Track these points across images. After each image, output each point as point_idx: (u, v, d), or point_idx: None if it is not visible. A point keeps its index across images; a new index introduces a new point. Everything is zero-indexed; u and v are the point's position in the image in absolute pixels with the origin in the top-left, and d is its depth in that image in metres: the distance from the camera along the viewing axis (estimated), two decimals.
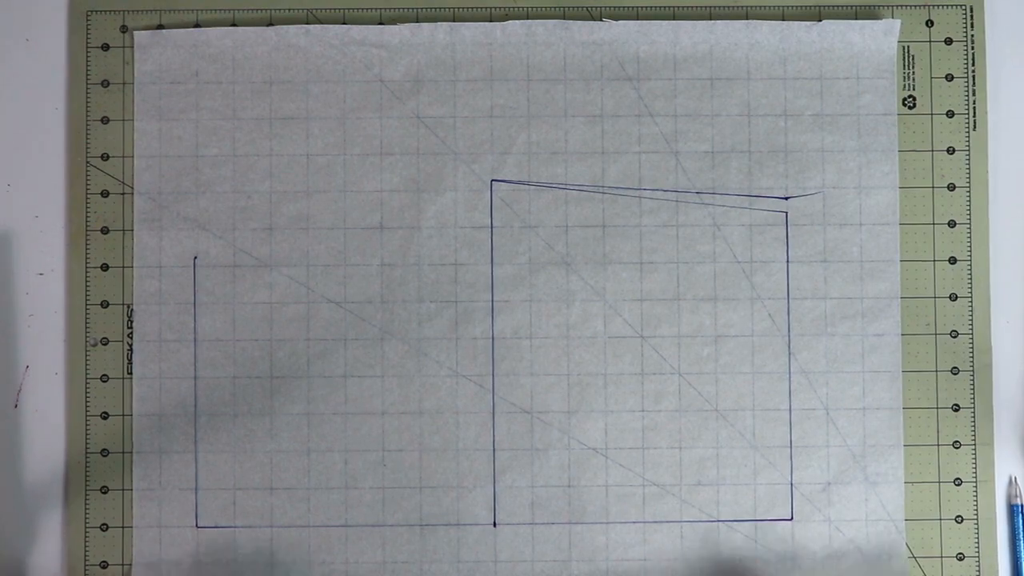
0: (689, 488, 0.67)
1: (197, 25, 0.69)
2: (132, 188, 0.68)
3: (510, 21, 0.68)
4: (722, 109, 0.69)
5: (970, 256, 0.69)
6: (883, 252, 0.68)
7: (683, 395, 0.68)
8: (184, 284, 0.68)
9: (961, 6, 0.69)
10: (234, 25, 0.69)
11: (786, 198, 0.69)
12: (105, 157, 0.68)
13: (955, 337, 0.68)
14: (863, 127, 0.69)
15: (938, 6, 0.69)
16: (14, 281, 0.68)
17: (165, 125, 0.68)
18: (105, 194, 0.68)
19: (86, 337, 0.68)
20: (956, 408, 0.68)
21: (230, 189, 0.68)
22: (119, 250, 0.68)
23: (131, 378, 0.67)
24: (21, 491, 0.67)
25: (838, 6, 0.69)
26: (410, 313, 0.68)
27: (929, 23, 0.69)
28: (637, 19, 0.69)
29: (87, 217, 0.68)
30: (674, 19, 0.69)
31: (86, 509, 0.67)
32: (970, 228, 0.69)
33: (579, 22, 0.69)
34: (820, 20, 0.69)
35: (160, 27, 0.69)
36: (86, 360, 0.68)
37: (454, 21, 0.69)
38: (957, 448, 0.68)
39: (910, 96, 0.69)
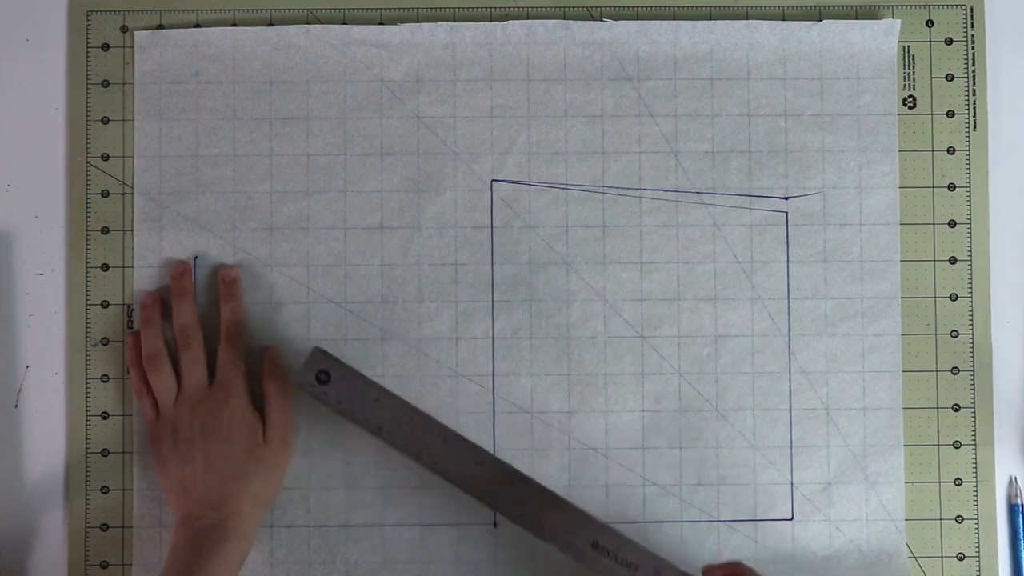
0: (689, 488, 0.67)
1: (197, 25, 0.69)
2: (132, 188, 0.68)
3: (510, 21, 0.68)
4: (722, 109, 0.69)
5: (970, 256, 0.69)
6: (883, 252, 0.68)
7: (683, 395, 0.68)
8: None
9: (961, 6, 0.69)
10: (234, 25, 0.69)
11: (786, 198, 0.69)
12: (105, 157, 0.68)
13: (955, 337, 0.68)
14: (863, 127, 0.69)
15: (938, 6, 0.69)
16: (14, 281, 0.68)
17: (165, 125, 0.68)
18: (105, 194, 0.68)
19: (86, 337, 0.68)
20: (956, 408, 0.68)
21: (230, 189, 0.68)
22: (119, 250, 0.68)
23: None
24: (21, 491, 0.67)
25: (838, 6, 0.69)
26: (410, 313, 0.68)
27: (929, 23, 0.69)
28: (637, 19, 0.69)
29: (87, 217, 0.68)
30: (674, 19, 0.69)
31: (86, 509, 0.67)
32: (970, 228, 0.69)
33: (579, 22, 0.69)
34: (820, 20, 0.69)
35: (160, 27, 0.69)
36: (86, 360, 0.68)
37: (454, 21, 0.69)
38: (957, 448, 0.68)
39: (910, 96, 0.69)
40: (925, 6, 0.69)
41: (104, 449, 0.67)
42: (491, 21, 0.69)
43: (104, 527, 0.67)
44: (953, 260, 0.69)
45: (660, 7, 0.69)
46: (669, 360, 0.68)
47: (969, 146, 0.69)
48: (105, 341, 0.68)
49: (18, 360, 0.68)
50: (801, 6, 0.69)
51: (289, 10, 0.69)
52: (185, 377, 0.64)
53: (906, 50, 0.69)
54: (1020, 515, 0.68)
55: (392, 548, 0.67)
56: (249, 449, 0.62)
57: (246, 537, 0.61)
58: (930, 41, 0.69)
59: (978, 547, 0.68)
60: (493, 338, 0.68)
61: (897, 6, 0.69)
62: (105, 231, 0.68)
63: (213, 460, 0.61)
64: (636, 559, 0.61)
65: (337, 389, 0.64)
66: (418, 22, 0.69)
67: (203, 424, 0.62)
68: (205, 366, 0.64)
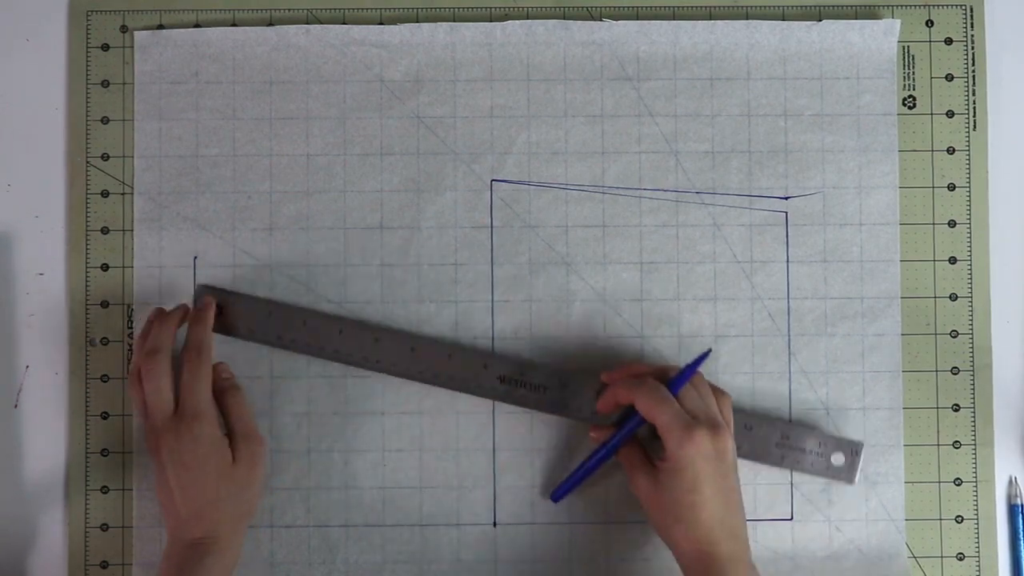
0: None
1: (197, 25, 0.69)
2: (132, 188, 0.68)
3: (510, 21, 0.68)
4: (722, 109, 0.69)
5: (970, 256, 0.69)
6: (883, 252, 0.68)
7: None
8: (184, 284, 0.68)
9: (961, 6, 0.69)
10: (234, 25, 0.69)
11: (786, 198, 0.69)
12: (105, 157, 0.68)
13: (955, 337, 0.68)
14: (863, 127, 0.69)
15: (938, 6, 0.69)
16: (14, 281, 0.68)
17: (165, 125, 0.68)
18: (105, 194, 0.68)
19: (86, 337, 0.68)
20: (956, 408, 0.68)
21: (230, 189, 0.68)
22: (119, 250, 0.68)
23: None
24: (21, 491, 0.67)
25: (838, 6, 0.69)
26: (410, 313, 0.68)
27: (929, 23, 0.69)
28: (637, 19, 0.69)
29: (87, 217, 0.68)
30: (674, 19, 0.69)
31: (86, 509, 0.67)
32: (970, 228, 0.69)
33: (579, 22, 0.69)
34: (820, 20, 0.69)
35: (160, 27, 0.69)
36: (86, 360, 0.68)
37: (454, 21, 0.69)
38: (957, 448, 0.68)
39: (910, 96, 0.69)
40: (925, 6, 0.69)
41: (104, 449, 0.67)
42: (491, 21, 0.69)
43: (104, 527, 0.67)
44: (953, 260, 0.69)
45: (660, 7, 0.69)
46: (669, 360, 0.68)
47: (969, 146, 0.69)
48: (105, 341, 0.68)
49: (18, 360, 0.68)
50: (801, 6, 0.69)
51: (289, 10, 0.69)
52: (149, 404, 0.63)
53: (906, 50, 0.69)
54: (1020, 515, 0.68)
55: (392, 548, 0.67)
56: (219, 473, 0.62)
57: (228, 551, 0.62)
58: (930, 41, 0.69)
59: (978, 547, 0.68)
60: (493, 338, 0.68)
61: (897, 6, 0.69)
62: (105, 231, 0.68)
63: (186, 488, 0.61)
64: (543, 380, 0.65)
65: (233, 317, 0.67)
66: (418, 22, 0.69)
67: (171, 454, 0.61)
68: (166, 394, 0.62)
